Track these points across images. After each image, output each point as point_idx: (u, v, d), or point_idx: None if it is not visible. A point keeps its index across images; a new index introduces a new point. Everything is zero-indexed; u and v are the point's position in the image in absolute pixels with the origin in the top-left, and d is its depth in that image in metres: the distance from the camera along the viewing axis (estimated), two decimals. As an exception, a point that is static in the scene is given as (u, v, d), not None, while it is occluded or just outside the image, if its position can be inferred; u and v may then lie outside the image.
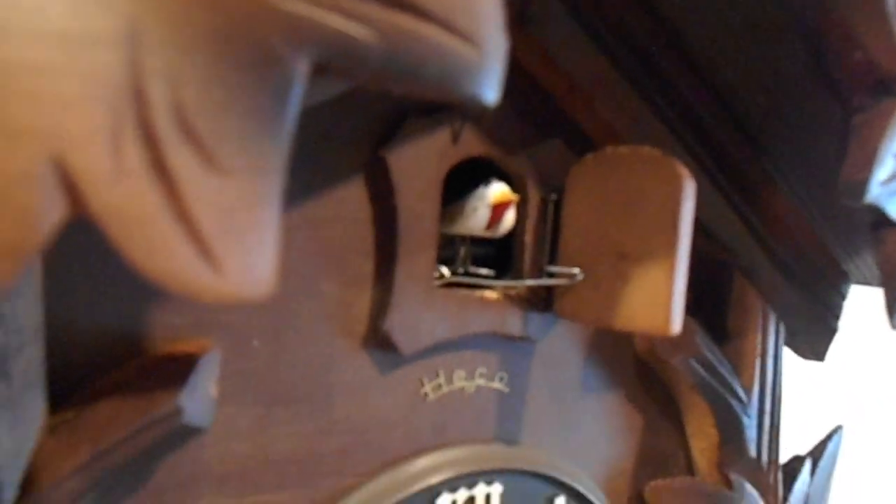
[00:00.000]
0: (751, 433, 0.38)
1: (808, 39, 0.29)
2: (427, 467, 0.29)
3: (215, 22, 0.13)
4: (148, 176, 0.12)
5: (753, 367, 0.38)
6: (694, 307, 0.38)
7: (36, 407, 0.20)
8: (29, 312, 0.20)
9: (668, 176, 0.28)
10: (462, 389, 0.31)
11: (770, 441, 0.39)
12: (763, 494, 0.39)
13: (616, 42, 0.30)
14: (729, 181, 0.35)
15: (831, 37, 0.28)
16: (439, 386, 0.30)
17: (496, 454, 0.31)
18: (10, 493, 0.19)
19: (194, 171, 0.13)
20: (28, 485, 0.19)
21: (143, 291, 0.23)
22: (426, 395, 0.30)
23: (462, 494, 0.30)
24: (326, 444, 0.27)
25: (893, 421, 0.76)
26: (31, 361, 0.20)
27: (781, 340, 0.40)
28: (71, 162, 0.11)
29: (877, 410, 0.73)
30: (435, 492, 0.29)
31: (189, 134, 0.13)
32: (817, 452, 0.42)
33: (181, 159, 0.12)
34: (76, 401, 0.21)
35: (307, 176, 0.26)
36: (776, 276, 0.38)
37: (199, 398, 0.22)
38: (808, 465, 0.41)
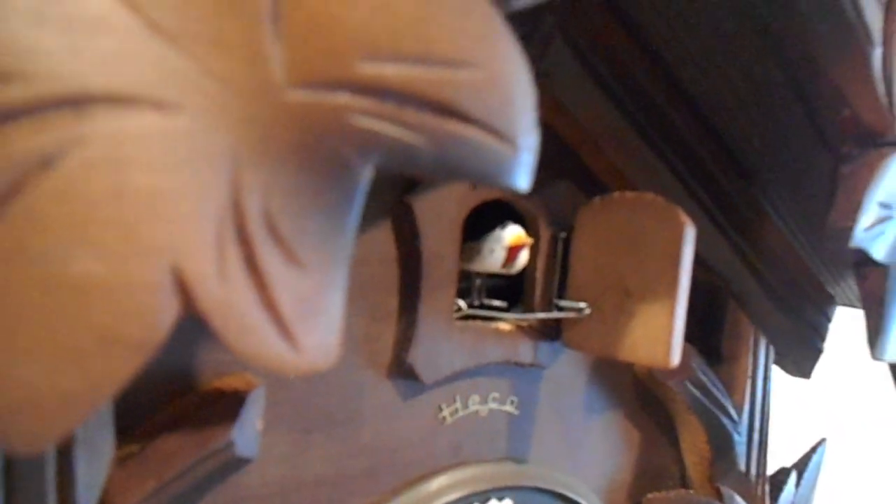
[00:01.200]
0: (741, 449, 0.40)
1: (802, 96, 0.31)
2: (444, 486, 0.32)
3: (299, 139, 0.15)
4: (243, 275, 0.14)
5: (744, 388, 0.41)
6: (691, 332, 0.41)
7: (107, 442, 0.22)
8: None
9: (670, 222, 0.30)
10: (476, 413, 0.33)
11: (758, 456, 0.42)
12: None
13: (625, 93, 0.32)
14: (725, 217, 0.38)
15: (823, 95, 0.30)
16: (456, 410, 0.32)
17: (507, 472, 0.34)
18: (86, 521, 0.21)
19: (279, 267, 0.15)
20: (100, 514, 0.22)
21: (194, 332, 0.25)
22: (444, 418, 0.32)
23: (476, 510, 0.33)
24: (355, 465, 0.30)
25: (873, 435, 0.79)
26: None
27: (771, 362, 0.42)
28: (185, 270, 0.13)
29: (858, 425, 0.76)
30: (452, 507, 0.32)
31: (276, 236, 0.15)
32: (802, 465, 0.45)
33: (269, 258, 0.15)
34: (139, 435, 0.23)
35: (339, 220, 0.28)
36: (767, 301, 0.40)
37: (247, 432, 0.24)
38: (793, 476, 0.44)
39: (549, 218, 0.33)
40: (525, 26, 0.29)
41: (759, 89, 0.33)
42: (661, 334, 0.30)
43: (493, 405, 0.33)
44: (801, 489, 0.45)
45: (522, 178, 0.18)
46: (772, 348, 0.42)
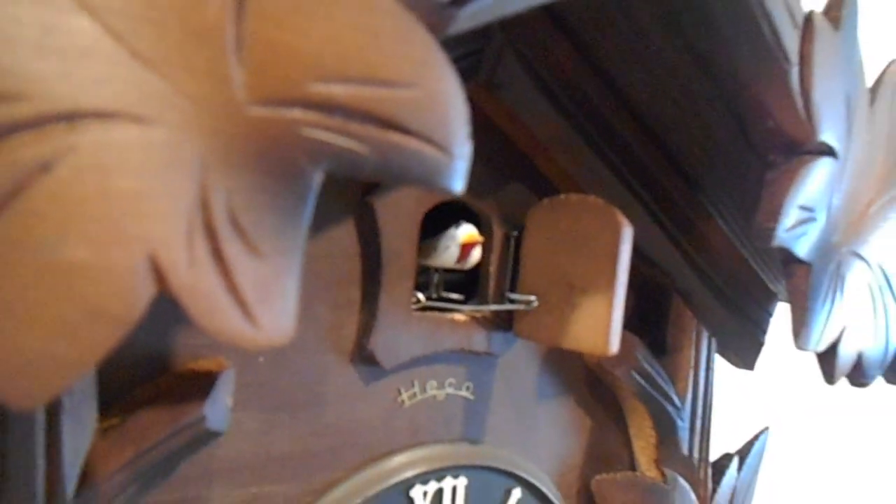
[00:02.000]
0: (683, 434, 0.44)
1: (732, 109, 0.34)
2: (403, 463, 0.34)
3: (258, 148, 0.18)
4: (209, 263, 0.17)
5: (687, 378, 0.44)
6: (637, 325, 0.44)
7: (90, 414, 0.25)
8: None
9: (610, 222, 0.33)
10: (434, 397, 0.36)
11: (701, 441, 0.45)
12: (694, 488, 0.44)
13: (571, 103, 0.35)
14: (669, 218, 0.41)
15: (749, 109, 0.33)
16: (414, 395, 0.35)
17: (462, 452, 0.37)
18: (71, 486, 0.24)
19: (241, 256, 0.17)
20: (84, 479, 0.24)
21: (171, 319, 0.27)
22: (403, 402, 0.35)
23: (432, 486, 0.35)
24: (319, 443, 0.32)
25: (814, 423, 0.83)
26: (87, 377, 0.24)
27: (713, 354, 0.45)
28: (159, 257, 0.16)
29: (798, 414, 0.80)
30: (409, 484, 0.34)
31: (238, 229, 0.17)
32: (745, 451, 0.48)
33: (232, 248, 0.17)
34: (120, 409, 0.25)
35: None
36: (709, 298, 0.43)
37: (218, 408, 0.27)
38: (735, 462, 0.47)
39: (502, 218, 0.36)
40: (477, 42, 0.32)
41: (695, 102, 0.36)
42: (601, 325, 0.33)
43: (450, 390, 0.36)
44: (742, 474, 0.48)
45: (457, 183, 0.21)
46: (714, 341, 0.45)
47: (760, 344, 0.48)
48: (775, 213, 0.33)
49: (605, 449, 0.44)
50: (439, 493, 0.36)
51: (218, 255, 0.17)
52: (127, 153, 0.16)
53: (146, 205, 0.16)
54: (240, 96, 0.17)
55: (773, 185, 0.34)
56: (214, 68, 0.17)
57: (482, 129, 0.34)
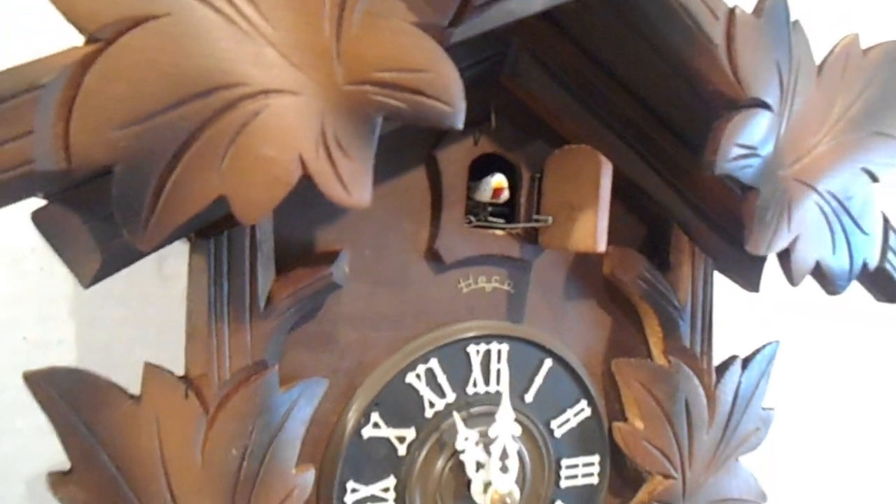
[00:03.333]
0: (685, 331, 0.57)
1: (685, 79, 0.49)
2: (462, 329, 0.52)
3: (348, 105, 0.36)
4: (326, 160, 0.35)
5: (687, 288, 0.57)
6: (647, 250, 0.58)
7: (271, 269, 0.44)
8: (267, 226, 0.44)
9: (595, 161, 0.48)
10: (483, 288, 0.53)
11: (702, 338, 0.58)
12: (698, 376, 0.58)
13: (573, 82, 0.51)
14: (662, 165, 0.55)
15: (694, 78, 0.47)
16: (469, 284, 0.52)
17: (505, 327, 0.53)
18: (263, 301, 0.43)
19: (341, 158, 0.36)
20: (269, 300, 0.44)
21: (316, 218, 0.47)
22: (461, 288, 0.52)
23: (483, 347, 0.52)
24: (405, 309, 0.50)
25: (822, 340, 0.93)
26: (269, 247, 0.44)
27: (711, 270, 0.58)
28: (304, 156, 0.34)
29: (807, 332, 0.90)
30: (466, 343, 0.51)
31: (339, 145, 0.36)
32: (750, 356, 0.61)
33: (337, 154, 0.35)
34: (286, 268, 0.45)
35: (396, 165, 0.49)
36: (704, 227, 0.57)
37: (339, 270, 0.45)
38: (738, 361, 0.59)
39: (528, 165, 0.52)
40: (500, 46, 0.49)
41: (663, 76, 0.50)
42: (591, 231, 0.48)
43: (496, 284, 0.53)
44: (747, 373, 0.60)
45: (459, 123, 0.38)
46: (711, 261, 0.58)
47: (760, 265, 0.60)
48: (716, 149, 0.47)
49: (626, 343, 0.58)
50: (488, 353, 0.52)
51: (330, 157, 0.35)
52: (288, 109, 0.34)
53: (297, 133, 0.35)
54: (339, 80, 0.35)
55: (717, 129, 0.47)
56: (327, 66, 0.35)
57: (513, 104, 0.51)
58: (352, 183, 0.36)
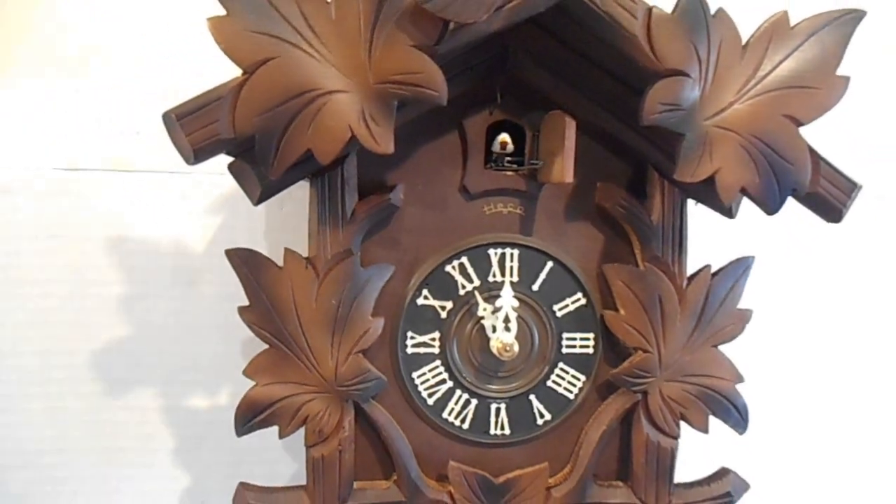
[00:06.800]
0: (657, 244, 0.77)
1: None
2: (485, 237, 0.77)
3: (377, 96, 0.63)
4: (365, 127, 0.63)
5: (659, 211, 0.77)
6: (630, 183, 0.79)
7: (354, 195, 0.74)
8: (352, 169, 0.73)
9: (563, 120, 0.71)
10: (501, 211, 0.78)
11: (673, 250, 0.77)
12: (669, 279, 0.77)
13: (561, 69, 0.74)
14: (634, 121, 0.75)
15: (626, 58, 0.68)
16: (491, 209, 0.77)
17: (517, 238, 0.78)
18: (348, 214, 0.73)
19: (375, 126, 0.63)
20: (352, 216, 0.73)
21: (385, 164, 0.75)
22: (485, 212, 0.77)
23: (499, 250, 0.77)
24: (446, 225, 0.77)
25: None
26: (353, 183, 0.73)
27: (681, 198, 0.77)
28: (352, 124, 0.63)
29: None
30: (487, 247, 0.77)
31: (372, 119, 0.63)
32: (722, 267, 0.79)
33: (371, 122, 0.63)
34: (364, 194, 0.74)
35: (437, 130, 0.76)
36: (673, 168, 0.76)
37: (396, 196, 0.74)
38: (708, 269, 0.78)
39: (531, 125, 0.76)
40: (500, 48, 0.73)
41: (616, 56, 0.71)
42: (562, 168, 0.71)
43: (510, 208, 0.78)
44: (718, 280, 0.78)
45: (443, 102, 0.63)
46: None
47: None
48: (643, 107, 0.68)
49: (616, 253, 0.80)
50: (503, 255, 0.77)
51: (367, 126, 0.63)
52: (342, 100, 0.63)
53: (347, 113, 0.63)
54: (371, 82, 0.63)
55: (645, 93, 0.68)
56: (363, 74, 0.63)
57: (517, 85, 0.76)
58: (380, 140, 0.64)
